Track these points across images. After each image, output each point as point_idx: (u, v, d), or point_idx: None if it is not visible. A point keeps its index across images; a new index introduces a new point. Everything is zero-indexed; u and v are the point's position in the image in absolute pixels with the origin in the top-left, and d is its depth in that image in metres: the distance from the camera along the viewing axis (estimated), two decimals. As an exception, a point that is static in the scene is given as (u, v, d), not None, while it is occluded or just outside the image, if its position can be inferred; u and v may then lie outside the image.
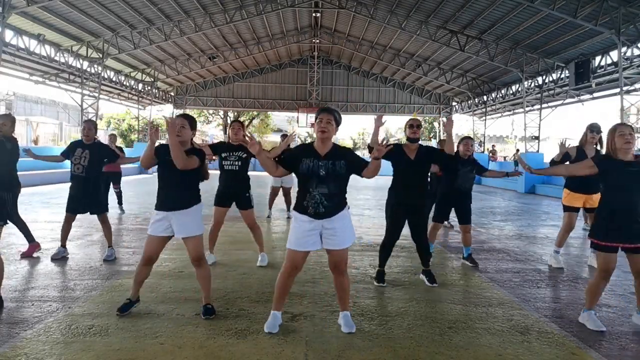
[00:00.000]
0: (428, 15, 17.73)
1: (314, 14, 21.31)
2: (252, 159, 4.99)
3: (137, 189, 14.22)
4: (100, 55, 18.69)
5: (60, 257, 5.12)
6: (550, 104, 21.14)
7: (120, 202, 9.22)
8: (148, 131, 3.26)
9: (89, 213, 5.21)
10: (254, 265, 5.08)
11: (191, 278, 4.49)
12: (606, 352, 3.07)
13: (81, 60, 18.75)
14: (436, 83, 26.87)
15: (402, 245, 6.01)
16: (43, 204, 9.76)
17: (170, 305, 3.66)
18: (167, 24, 18.38)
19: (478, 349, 3.05)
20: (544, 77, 18.94)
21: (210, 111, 38.21)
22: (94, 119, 19.69)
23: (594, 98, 19.72)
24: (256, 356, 2.84)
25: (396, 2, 17.45)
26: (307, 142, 3.44)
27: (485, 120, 26.33)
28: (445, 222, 8.25)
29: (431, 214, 5.60)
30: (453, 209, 5.47)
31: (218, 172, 5.07)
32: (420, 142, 4.46)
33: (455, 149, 5.51)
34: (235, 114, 36.20)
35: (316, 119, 3.20)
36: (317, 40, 25.07)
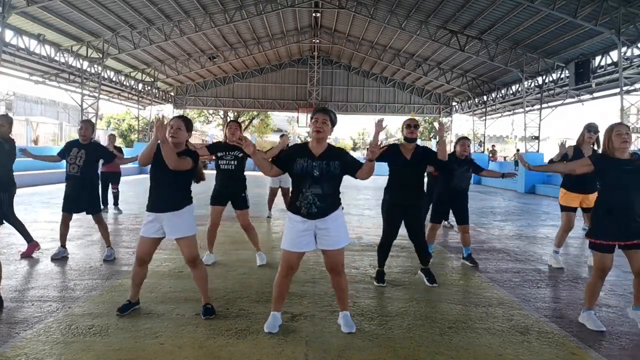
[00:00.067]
0: (428, 15, 17.73)
1: (314, 14, 21.32)
2: (249, 159, 5.00)
3: (137, 189, 14.22)
4: (100, 55, 18.70)
5: (60, 257, 5.12)
6: (550, 104, 21.14)
7: (116, 203, 9.20)
8: (154, 124, 3.21)
9: (84, 213, 5.20)
10: (254, 265, 5.08)
11: (191, 278, 4.47)
12: (606, 352, 3.07)
13: (81, 60, 18.76)
14: (436, 83, 26.88)
15: (402, 245, 6.01)
16: (43, 204, 9.76)
17: (170, 305, 3.66)
18: (167, 24, 18.38)
19: (478, 349, 3.05)
20: (544, 77, 18.94)
21: (210, 111, 38.23)
22: (93, 119, 19.69)
23: (594, 98, 19.73)
24: (256, 356, 2.84)
25: (396, 2, 17.46)
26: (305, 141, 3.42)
27: (485, 120, 26.33)
28: (445, 222, 8.26)
29: (428, 215, 5.60)
30: (451, 209, 5.48)
31: (214, 172, 5.08)
32: (417, 142, 4.46)
33: (452, 149, 5.54)
34: (235, 114, 36.21)
35: (311, 118, 3.19)
36: (317, 40, 25.08)
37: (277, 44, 24.68)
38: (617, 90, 14.25)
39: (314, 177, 3.07)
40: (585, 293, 3.58)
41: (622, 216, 3.28)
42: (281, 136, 8.75)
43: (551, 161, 5.43)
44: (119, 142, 30.49)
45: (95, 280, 4.39)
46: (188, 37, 20.05)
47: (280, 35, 24.00)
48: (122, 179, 9.76)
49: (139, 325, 3.26)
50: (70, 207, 5.14)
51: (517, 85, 21.40)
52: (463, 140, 5.39)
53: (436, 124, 4.57)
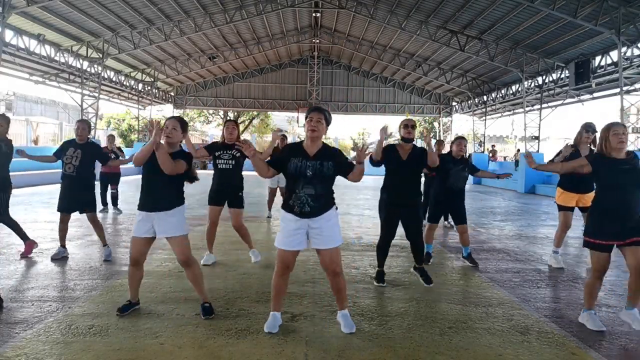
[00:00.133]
0: (428, 15, 17.73)
1: (314, 14, 21.32)
2: (246, 159, 5.01)
3: (137, 189, 14.20)
4: (100, 55, 18.69)
5: (60, 257, 5.12)
6: (550, 104, 21.14)
7: (115, 204, 9.20)
8: (154, 127, 3.21)
9: (78, 212, 5.19)
10: (254, 265, 5.08)
11: (191, 278, 4.49)
12: (606, 352, 3.07)
13: (81, 60, 18.75)
14: (436, 83, 26.88)
15: (402, 245, 6.01)
16: (43, 204, 9.76)
17: (170, 305, 3.66)
18: (167, 24, 18.38)
19: (478, 349, 3.05)
20: (544, 77, 18.94)
21: (210, 111, 38.22)
22: (93, 119, 19.70)
23: (594, 98, 19.72)
24: (256, 356, 2.84)
25: (396, 2, 17.46)
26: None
27: (485, 120, 26.32)
28: (446, 222, 8.27)
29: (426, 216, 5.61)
30: (448, 209, 5.48)
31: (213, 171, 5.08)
32: (414, 142, 4.45)
33: (449, 149, 5.55)
34: (235, 114, 36.19)
35: (306, 117, 3.19)
36: (317, 40, 25.08)
37: (277, 44, 24.68)
38: (617, 90, 14.24)
39: (307, 178, 3.06)
40: (584, 293, 3.58)
41: (619, 215, 3.28)
42: (276, 132, 8.76)
43: (551, 162, 5.42)
44: (118, 142, 30.51)
45: (95, 280, 4.39)
46: (188, 37, 20.04)
47: (280, 35, 24.00)
48: (122, 179, 9.76)
49: (139, 325, 3.26)
50: (66, 206, 5.14)
51: (517, 85, 21.40)
52: (459, 140, 5.41)
53: (423, 131, 4.53)
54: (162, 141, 3.35)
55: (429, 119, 37.82)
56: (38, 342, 2.95)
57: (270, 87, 29.75)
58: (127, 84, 23.87)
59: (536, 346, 3.11)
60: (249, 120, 39.70)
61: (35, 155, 5.61)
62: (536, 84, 19.63)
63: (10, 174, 5.10)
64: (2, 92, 33.09)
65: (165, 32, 18.80)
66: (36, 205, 9.71)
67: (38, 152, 18.01)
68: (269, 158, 3.25)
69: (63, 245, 5.21)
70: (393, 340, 3.15)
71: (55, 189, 5.31)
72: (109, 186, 9.27)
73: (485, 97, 24.78)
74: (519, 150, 24.01)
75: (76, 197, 5.12)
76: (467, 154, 6.27)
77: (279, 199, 9.07)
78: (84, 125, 5.19)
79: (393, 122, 39.94)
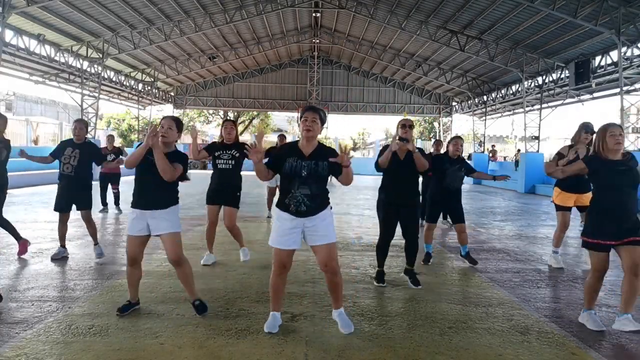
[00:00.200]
0: (428, 15, 17.73)
1: (314, 14, 21.31)
2: (245, 159, 5.01)
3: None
4: (100, 55, 18.69)
5: (60, 257, 5.12)
6: (550, 104, 21.12)
7: (117, 203, 9.22)
8: (148, 132, 3.23)
9: (75, 208, 5.18)
10: (254, 265, 5.08)
11: (191, 278, 4.49)
12: (606, 352, 3.07)
13: (81, 60, 18.75)
14: (436, 83, 26.87)
15: (401, 245, 5.95)
16: (43, 204, 9.76)
17: (170, 305, 3.66)
18: (167, 24, 18.38)
19: (478, 349, 3.05)
20: (544, 77, 18.93)
21: (210, 111, 38.21)
22: (94, 119, 19.70)
23: (594, 98, 19.71)
24: (256, 356, 2.84)
25: (396, 2, 17.45)
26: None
27: (485, 120, 26.32)
28: (443, 222, 8.27)
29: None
30: (446, 209, 5.49)
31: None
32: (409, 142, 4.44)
33: (445, 149, 5.56)
34: (235, 114, 36.20)
35: (301, 117, 3.18)
36: (317, 40, 25.07)
37: (277, 44, 24.67)
38: (617, 90, 14.23)
39: (302, 178, 3.06)
40: (584, 293, 3.58)
41: (616, 216, 3.29)
42: (280, 136, 8.75)
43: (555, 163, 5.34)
44: (118, 142, 30.51)
45: (95, 280, 4.40)
46: (188, 37, 20.04)
47: (280, 35, 24.00)
48: (123, 179, 9.76)
49: (139, 325, 3.26)
50: (63, 206, 5.13)
51: (517, 85, 21.39)
52: (456, 140, 5.42)
53: (401, 143, 4.38)
54: (160, 144, 3.36)
55: (429, 119, 37.85)
56: (38, 342, 2.96)
57: (270, 87, 29.75)
58: (127, 84, 23.87)
59: (536, 346, 3.11)
60: (249, 120, 39.70)
61: (35, 156, 5.61)
62: (536, 84, 19.62)
63: (11, 174, 5.10)
64: (2, 92, 33.10)
65: (165, 32, 18.80)
66: (36, 205, 9.71)
67: (38, 152, 17.97)
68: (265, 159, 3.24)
69: (63, 245, 5.21)
70: (393, 340, 3.15)
71: (55, 188, 5.30)
72: (110, 186, 9.28)
73: (485, 97, 24.77)
74: (519, 150, 24.00)
75: (73, 197, 5.12)
76: (468, 154, 6.27)
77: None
78: (81, 125, 5.18)
79: (393, 122, 39.92)
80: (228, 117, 35.14)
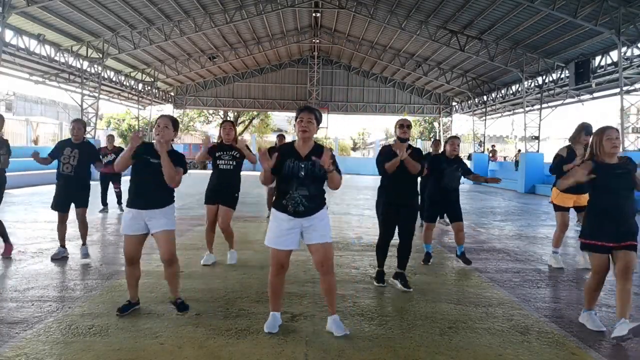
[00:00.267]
0: (428, 15, 17.72)
1: (314, 14, 21.31)
2: (245, 159, 5.02)
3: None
4: (100, 55, 18.68)
5: (60, 257, 5.12)
6: (550, 104, 21.12)
7: (119, 202, 9.25)
8: (131, 135, 3.25)
9: (74, 206, 5.17)
10: (254, 265, 5.08)
11: (191, 278, 4.50)
12: (606, 352, 3.07)
13: (81, 60, 18.74)
14: (436, 83, 26.87)
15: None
16: (43, 204, 9.76)
17: (170, 305, 3.65)
18: (167, 24, 18.38)
19: (478, 349, 3.05)
20: (544, 77, 18.93)
21: (210, 111, 38.20)
22: (94, 119, 19.69)
23: (594, 98, 19.71)
24: (256, 356, 2.84)
25: (396, 2, 17.45)
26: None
27: (485, 120, 26.31)
28: (441, 221, 8.26)
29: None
30: (444, 209, 5.49)
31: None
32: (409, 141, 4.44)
33: (442, 149, 5.56)
34: (235, 114, 36.19)
35: (296, 118, 3.17)
36: (317, 40, 25.07)
37: (277, 44, 24.67)
38: (617, 90, 14.23)
39: (300, 179, 3.07)
40: (584, 294, 3.58)
41: (613, 218, 3.29)
42: (279, 136, 8.74)
43: (557, 166, 5.28)
44: (118, 142, 30.49)
45: (95, 280, 4.40)
46: (188, 37, 20.03)
47: (280, 35, 24.00)
48: (124, 178, 9.76)
49: (139, 325, 3.26)
50: (60, 206, 5.14)
51: (517, 85, 21.38)
52: (452, 140, 5.42)
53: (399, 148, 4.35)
54: (156, 143, 3.38)
55: (429, 119, 37.84)
56: (38, 342, 2.95)
57: (270, 87, 29.75)
58: (127, 84, 23.86)
59: (536, 346, 3.11)
60: (249, 120, 39.69)
61: (46, 158, 5.59)
62: (536, 84, 19.62)
63: (11, 174, 5.10)
64: (2, 92, 33.11)
65: (165, 32, 18.79)
66: (36, 205, 9.72)
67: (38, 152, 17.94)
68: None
69: (63, 246, 5.21)
70: (393, 340, 3.15)
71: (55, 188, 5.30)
72: (112, 185, 9.29)
73: (485, 97, 24.77)
74: (519, 150, 23.99)
75: (72, 196, 5.12)
76: (468, 154, 6.28)
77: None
78: (79, 125, 5.18)
79: (392, 123, 39.92)
80: (228, 118, 35.16)
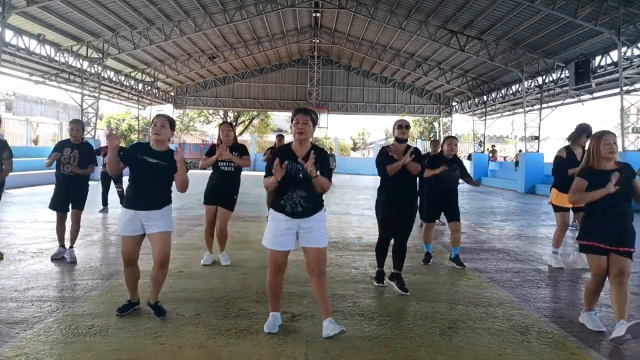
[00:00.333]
0: (428, 15, 17.72)
1: (314, 14, 21.31)
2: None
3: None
4: (100, 55, 18.68)
5: (60, 257, 5.12)
6: (550, 104, 21.12)
7: (122, 202, 9.23)
8: (107, 137, 3.24)
9: (71, 207, 5.16)
10: (254, 265, 5.08)
11: (191, 278, 4.50)
12: (606, 352, 3.07)
13: (81, 60, 18.74)
14: (436, 83, 26.87)
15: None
16: (43, 204, 9.74)
17: (170, 305, 3.65)
18: (167, 24, 18.37)
19: (478, 349, 3.05)
20: (544, 77, 18.93)
21: (210, 111, 38.20)
22: (94, 119, 19.69)
23: (594, 98, 19.71)
24: (256, 356, 2.84)
25: (396, 2, 17.45)
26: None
27: (485, 120, 26.31)
28: (437, 221, 8.24)
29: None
30: (442, 209, 5.49)
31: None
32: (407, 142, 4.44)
33: (440, 149, 5.58)
34: (235, 114, 36.18)
35: (292, 120, 3.17)
36: (317, 40, 25.07)
37: (277, 44, 24.67)
38: (617, 90, 14.23)
39: (298, 180, 3.07)
40: (584, 295, 3.58)
41: (611, 220, 3.29)
42: (278, 136, 8.72)
43: (560, 167, 5.28)
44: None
45: (95, 280, 4.39)
46: (188, 37, 20.03)
47: (280, 35, 23.99)
48: (124, 178, 9.77)
49: (139, 325, 3.26)
50: (59, 205, 5.14)
51: (517, 85, 21.38)
52: (450, 140, 5.42)
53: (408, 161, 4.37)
54: (153, 142, 3.39)
55: (429, 119, 37.83)
56: (38, 342, 2.95)
57: (270, 87, 29.75)
58: (127, 84, 23.86)
59: (536, 346, 3.11)
60: (249, 120, 39.68)
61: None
62: (536, 84, 19.62)
63: (11, 174, 5.10)
64: (2, 92, 33.10)
65: (165, 32, 18.79)
66: (36, 205, 9.72)
67: (38, 152, 18.00)
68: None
69: (62, 245, 5.21)
70: (393, 340, 3.15)
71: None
72: (115, 185, 9.28)
73: (485, 97, 24.77)
74: (520, 150, 24.00)
75: (70, 195, 5.13)
76: (468, 154, 6.28)
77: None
78: (78, 126, 5.17)
79: (392, 122, 39.91)
80: (227, 118, 35.16)
